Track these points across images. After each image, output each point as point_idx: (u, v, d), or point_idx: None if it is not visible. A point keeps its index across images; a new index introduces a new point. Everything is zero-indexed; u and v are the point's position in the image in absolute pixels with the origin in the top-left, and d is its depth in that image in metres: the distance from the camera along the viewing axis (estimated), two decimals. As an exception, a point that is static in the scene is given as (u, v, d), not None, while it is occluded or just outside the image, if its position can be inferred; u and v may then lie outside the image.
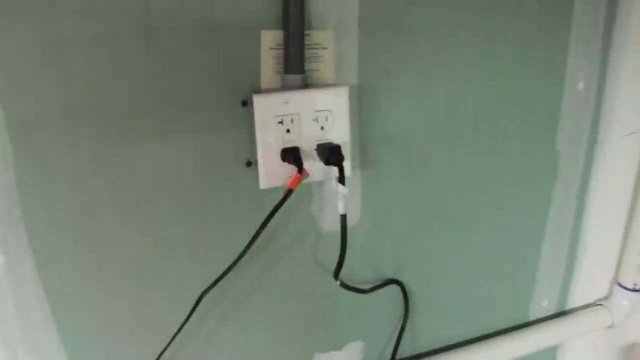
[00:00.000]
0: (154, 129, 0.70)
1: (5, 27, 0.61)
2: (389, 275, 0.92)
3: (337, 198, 0.71)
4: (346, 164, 0.73)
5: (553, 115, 0.95)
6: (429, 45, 0.81)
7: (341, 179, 0.70)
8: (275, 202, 0.72)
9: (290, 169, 0.72)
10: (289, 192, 0.70)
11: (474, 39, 0.84)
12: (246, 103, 0.73)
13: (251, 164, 0.75)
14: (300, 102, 0.72)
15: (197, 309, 0.78)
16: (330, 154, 0.71)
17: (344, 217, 0.73)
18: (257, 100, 0.70)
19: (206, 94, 0.71)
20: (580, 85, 0.95)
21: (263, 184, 0.73)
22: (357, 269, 0.89)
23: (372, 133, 0.82)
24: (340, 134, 0.75)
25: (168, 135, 0.71)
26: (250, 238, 0.73)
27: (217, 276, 0.76)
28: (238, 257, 0.75)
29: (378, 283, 0.91)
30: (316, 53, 0.75)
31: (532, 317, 1.11)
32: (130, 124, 0.69)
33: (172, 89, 0.70)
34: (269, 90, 0.73)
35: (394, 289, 0.93)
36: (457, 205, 0.93)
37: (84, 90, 0.66)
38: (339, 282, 0.75)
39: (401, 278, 0.93)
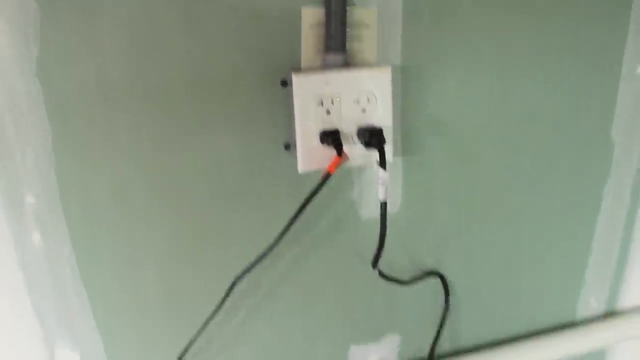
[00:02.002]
0: (192, 112, 0.69)
1: (45, 6, 0.60)
2: (430, 267, 0.89)
3: (378, 182, 0.68)
4: (388, 148, 0.70)
5: (609, 102, 0.89)
6: (478, 28, 0.77)
7: (382, 163, 0.67)
8: (315, 184, 0.69)
9: (329, 152, 0.69)
10: (327, 176, 0.67)
11: (526, 22, 0.79)
12: (286, 83, 0.70)
13: (290, 146, 0.73)
14: (341, 82, 0.68)
15: (230, 296, 0.76)
16: (371, 137, 0.68)
17: (384, 204, 0.69)
18: (297, 80, 0.67)
19: (245, 74, 0.69)
20: (640, 70, 0.89)
21: (301, 168, 0.70)
22: (396, 260, 0.85)
23: (415, 118, 0.78)
24: (382, 117, 0.71)
25: (205, 118, 0.69)
26: (286, 224, 0.71)
27: (250, 263, 0.74)
28: (272, 243, 0.73)
29: (418, 275, 0.87)
30: (358, 32, 0.72)
31: (579, 317, 1.05)
32: (167, 108, 0.67)
33: (211, 70, 0.68)
34: (310, 70, 0.70)
35: (434, 281, 0.89)
36: (504, 197, 0.88)
37: (122, 72, 0.65)
38: (377, 271, 0.72)
39: (442, 271, 0.89)
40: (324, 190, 0.70)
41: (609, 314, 1.08)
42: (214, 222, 0.74)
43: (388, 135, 0.71)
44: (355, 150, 0.71)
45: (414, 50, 0.74)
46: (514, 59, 0.80)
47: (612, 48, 0.86)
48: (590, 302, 1.04)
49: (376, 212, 0.79)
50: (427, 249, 0.87)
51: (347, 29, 0.70)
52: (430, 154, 0.81)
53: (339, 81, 0.68)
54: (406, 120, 0.78)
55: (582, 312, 1.05)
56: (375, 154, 0.69)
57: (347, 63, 0.71)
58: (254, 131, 0.72)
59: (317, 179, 0.69)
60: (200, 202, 0.73)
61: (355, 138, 0.71)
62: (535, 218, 0.92)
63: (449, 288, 0.90)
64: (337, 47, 0.69)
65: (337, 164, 0.66)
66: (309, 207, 0.71)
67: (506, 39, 0.79)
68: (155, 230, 0.72)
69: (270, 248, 0.73)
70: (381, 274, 0.75)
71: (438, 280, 0.89)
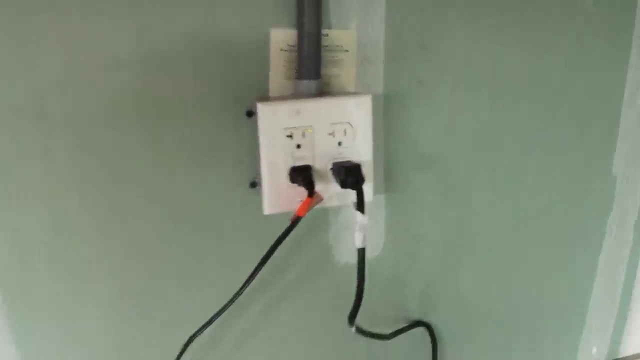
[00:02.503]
0: (144, 143, 0.60)
1: None
2: (416, 316, 0.80)
3: (355, 228, 0.59)
4: (367, 187, 0.62)
5: (610, 133, 0.81)
6: (468, 52, 0.69)
7: (360, 206, 0.58)
8: (282, 229, 0.60)
9: (300, 192, 0.60)
10: (296, 220, 0.58)
11: (520, 47, 0.71)
12: (251, 113, 0.62)
13: (256, 185, 0.64)
14: (315, 112, 0.60)
15: (188, 352, 0.67)
16: (348, 175, 0.59)
17: (362, 252, 0.61)
18: (263, 109, 0.59)
19: (206, 103, 0.61)
20: (643, 101, 0.81)
21: (268, 209, 0.62)
22: (377, 309, 0.77)
23: (399, 152, 0.70)
24: (361, 151, 0.63)
25: (161, 150, 0.61)
26: (252, 272, 0.62)
27: (212, 315, 0.65)
28: (236, 293, 0.64)
29: (402, 325, 0.79)
30: (335, 56, 0.64)
31: (579, 367, 0.96)
32: (115, 136, 0.59)
33: (166, 97, 0.59)
34: (279, 99, 0.62)
35: (420, 332, 0.80)
36: (497, 236, 0.80)
37: (60, 95, 0.56)
38: (354, 329, 0.63)
39: (429, 320, 0.81)
40: (295, 232, 0.61)
41: (612, 363, 0.99)
42: (170, 266, 0.65)
43: (368, 171, 0.63)
44: (330, 189, 0.63)
45: (398, 76, 0.67)
46: (507, 86, 0.73)
47: (613, 76, 0.78)
48: (592, 351, 0.95)
49: (355, 257, 0.71)
50: (412, 295, 0.79)
51: (323, 53, 0.62)
52: (416, 190, 0.73)
53: (311, 111, 0.60)
54: (389, 153, 0.70)
55: (582, 361, 0.96)
56: (353, 194, 0.60)
57: (322, 91, 0.63)
58: (216, 167, 0.63)
59: (287, 221, 0.60)
60: (154, 244, 0.64)
61: (330, 175, 0.62)
62: (531, 259, 0.84)
63: (437, 339, 0.82)
64: (310, 73, 0.61)
65: (308, 206, 0.58)
66: (277, 252, 0.62)
67: (499, 65, 0.71)
68: (101, 275, 0.63)
69: (233, 299, 0.64)
70: (359, 330, 0.66)
71: (424, 330, 0.81)
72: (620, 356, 1.00)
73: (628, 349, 1.00)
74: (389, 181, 0.71)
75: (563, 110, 0.77)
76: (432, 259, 0.78)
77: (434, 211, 0.75)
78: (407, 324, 0.79)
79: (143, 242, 0.63)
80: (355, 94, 0.65)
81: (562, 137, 0.78)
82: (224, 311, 0.65)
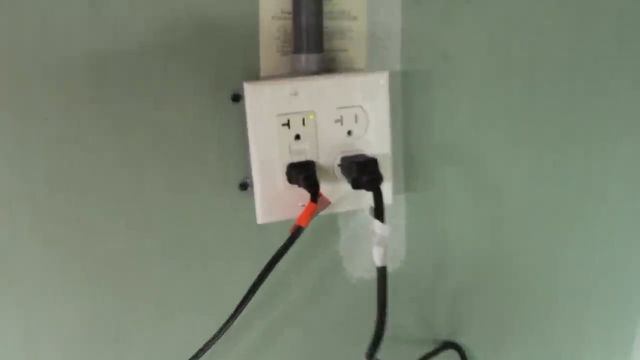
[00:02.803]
0: (104, 135, 0.48)
1: None
2: (444, 336, 0.68)
3: (374, 241, 0.46)
4: (386, 188, 0.49)
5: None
6: (503, 19, 0.57)
7: (378, 212, 0.46)
8: (280, 242, 0.48)
9: (301, 195, 0.48)
10: (296, 231, 0.46)
11: (564, 16, 0.58)
12: (238, 97, 0.50)
13: (247, 186, 0.52)
14: (317, 93, 0.48)
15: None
16: (362, 173, 0.47)
17: (382, 271, 0.48)
18: (251, 91, 0.46)
19: (182, 85, 0.49)
20: None
21: (262, 218, 0.49)
22: (399, 329, 0.64)
23: (421, 142, 0.58)
24: (376, 142, 0.51)
25: (125, 144, 0.49)
26: (246, 292, 0.50)
27: (197, 349, 0.53)
28: (226, 322, 0.52)
29: (429, 349, 0.66)
30: (341, 25, 0.52)
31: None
32: (67, 129, 0.47)
33: (132, 78, 0.47)
34: (271, 78, 0.49)
35: (450, 355, 0.68)
36: (537, 245, 0.68)
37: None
38: (374, 364, 0.50)
39: (460, 340, 0.69)
40: (298, 243, 0.49)
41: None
42: (144, 288, 0.53)
43: (386, 166, 0.50)
44: (338, 190, 0.50)
45: (419, 50, 0.55)
46: (549, 63, 0.60)
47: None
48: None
49: (371, 271, 0.59)
50: (439, 313, 0.67)
51: (325, 21, 0.49)
52: (443, 189, 0.61)
53: (313, 92, 0.48)
54: (409, 145, 0.58)
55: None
56: (368, 196, 0.48)
57: (326, 68, 0.50)
58: (196, 165, 0.51)
59: (286, 230, 0.48)
60: (121, 262, 0.52)
61: (339, 172, 0.50)
62: (577, 267, 0.71)
63: (470, 363, 0.69)
64: (310, 45, 0.49)
65: (311, 214, 0.45)
66: (277, 268, 0.49)
67: (540, 38, 0.59)
68: (57, 303, 0.51)
69: (224, 327, 0.52)
70: (380, 364, 0.54)
71: (454, 352, 0.68)
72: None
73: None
74: (410, 178, 0.59)
75: (616, 91, 0.64)
76: (462, 270, 0.65)
77: (464, 214, 0.63)
78: (434, 347, 0.67)
79: (107, 260, 0.52)
80: (367, 71, 0.52)
81: (614, 126, 0.65)
82: (213, 342, 0.53)
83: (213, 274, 0.55)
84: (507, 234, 0.66)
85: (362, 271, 0.61)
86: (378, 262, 0.46)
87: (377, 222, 0.45)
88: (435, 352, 0.66)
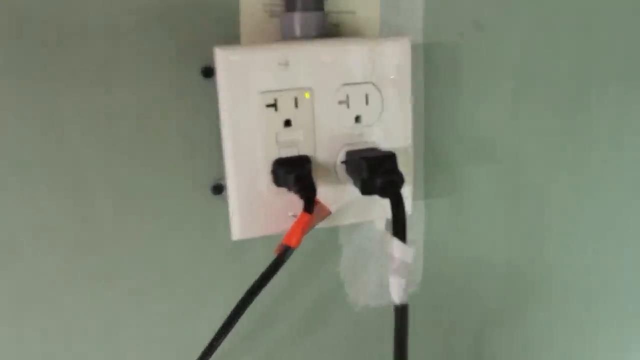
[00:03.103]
0: (31, 118, 0.35)
1: None
2: (468, 374, 0.55)
3: (390, 267, 0.33)
4: (406, 193, 0.36)
5: None
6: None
7: (399, 227, 0.33)
8: (263, 266, 0.35)
9: (290, 202, 0.35)
10: (284, 253, 0.33)
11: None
12: (210, 72, 0.37)
13: (222, 189, 0.39)
14: (315, 64, 0.35)
15: None
16: (375, 173, 0.34)
17: (402, 312, 0.34)
18: (224, 58, 0.34)
19: (135, 56, 0.36)
20: None
21: (239, 232, 0.37)
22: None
23: (445, 133, 0.46)
24: (393, 131, 0.38)
25: (61, 132, 0.36)
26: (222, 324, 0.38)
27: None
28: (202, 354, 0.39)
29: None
30: (347, -23, 0.39)
31: None
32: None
33: (66, 44, 0.35)
34: (253, 44, 0.37)
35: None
36: (584, 260, 0.55)
37: None
38: None
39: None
40: (288, 265, 0.36)
41: None
42: (83, 320, 0.40)
43: (406, 165, 0.38)
44: (342, 195, 0.38)
45: (446, 16, 0.44)
46: (606, 37, 0.48)
47: None
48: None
49: (380, 298, 0.46)
50: (462, 348, 0.54)
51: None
52: (471, 193, 0.49)
53: (309, 62, 0.35)
54: (430, 137, 0.45)
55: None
56: (380, 204, 0.35)
57: (326, 33, 0.38)
58: (155, 163, 0.39)
59: (270, 248, 0.36)
60: (57, 287, 0.39)
61: (342, 172, 0.37)
62: (627, 291, 0.58)
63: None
64: (307, 1, 0.36)
65: (304, 229, 0.33)
66: (261, 296, 0.37)
67: (594, 6, 0.47)
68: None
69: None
70: None
71: (480, 394, 0.55)
72: None
73: None
74: (430, 181, 0.47)
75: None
76: (492, 295, 0.53)
77: (496, 225, 0.51)
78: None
79: (36, 283, 0.39)
80: (381, 37, 0.40)
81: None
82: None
83: (176, 305, 0.42)
84: (547, 250, 0.53)
85: (368, 297, 0.48)
86: (397, 299, 0.33)
87: (396, 242, 0.32)
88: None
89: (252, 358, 0.46)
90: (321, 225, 0.38)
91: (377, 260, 0.47)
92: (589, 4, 0.47)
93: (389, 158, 0.34)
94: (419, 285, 0.50)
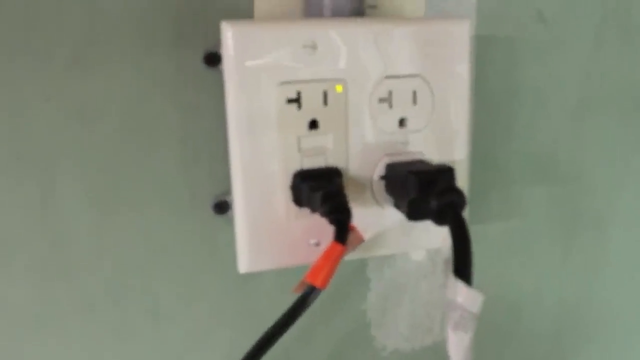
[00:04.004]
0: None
1: None
2: None
3: (450, 317, 0.25)
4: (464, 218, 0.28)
5: None
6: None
7: (463, 264, 0.24)
8: (275, 302, 0.27)
9: (315, 227, 0.27)
10: (308, 294, 0.25)
11: None
12: (216, 59, 0.29)
13: (227, 207, 0.31)
14: (350, 50, 0.27)
15: None
16: (426, 192, 0.26)
17: None
18: (234, 37, 0.26)
19: (123, 39, 0.29)
20: None
21: (247, 263, 0.29)
22: None
23: (498, 147, 0.39)
24: (446, 138, 0.30)
25: (22, 129, 0.29)
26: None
27: None
28: None
29: None
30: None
31: None
32: None
33: (38, 25, 0.28)
34: (271, 21, 0.29)
35: None
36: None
37: None
38: None
39: None
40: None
41: None
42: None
43: (462, 184, 0.29)
44: (379, 219, 0.30)
45: (505, 4, 0.37)
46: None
47: None
48: None
49: (411, 342, 0.38)
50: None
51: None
52: (524, 218, 0.41)
53: (343, 47, 0.27)
54: (480, 152, 0.37)
55: None
56: (429, 232, 0.27)
57: (362, 12, 0.30)
58: (144, 175, 0.31)
59: (288, 286, 0.28)
60: (28, 320, 0.31)
61: (381, 190, 0.29)
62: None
63: None
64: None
65: (334, 265, 0.25)
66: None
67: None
68: None
69: None
70: None
71: None
72: None
73: None
74: (478, 203, 0.38)
75: None
76: (542, 336, 0.44)
77: (552, 257, 0.42)
78: None
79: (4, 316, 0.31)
80: (432, 18, 0.32)
81: None
82: None
83: (167, 348, 0.34)
84: (607, 287, 0.45)
85: (399, 341, 0.40)
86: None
87: (459, 285, 0.24)
88: None
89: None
90: (349, 256, 0.30)
91: (411, 298, 0.38)
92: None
93: (446, 173, 0.26)
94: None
